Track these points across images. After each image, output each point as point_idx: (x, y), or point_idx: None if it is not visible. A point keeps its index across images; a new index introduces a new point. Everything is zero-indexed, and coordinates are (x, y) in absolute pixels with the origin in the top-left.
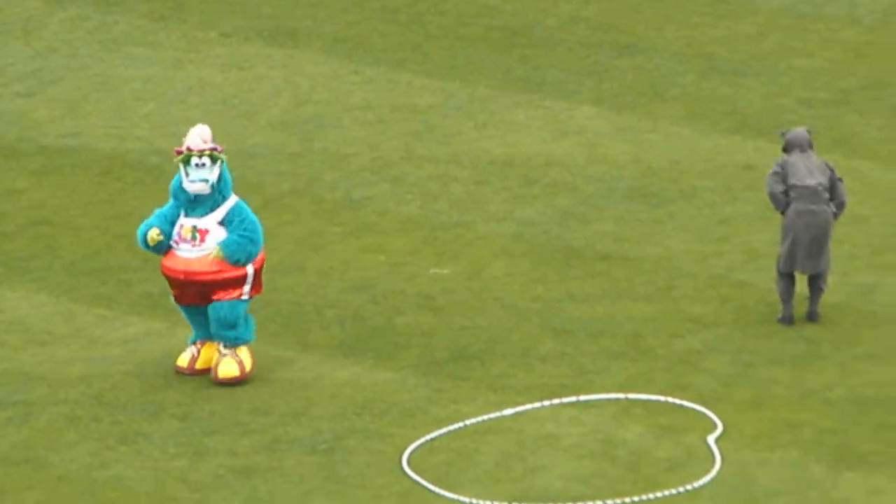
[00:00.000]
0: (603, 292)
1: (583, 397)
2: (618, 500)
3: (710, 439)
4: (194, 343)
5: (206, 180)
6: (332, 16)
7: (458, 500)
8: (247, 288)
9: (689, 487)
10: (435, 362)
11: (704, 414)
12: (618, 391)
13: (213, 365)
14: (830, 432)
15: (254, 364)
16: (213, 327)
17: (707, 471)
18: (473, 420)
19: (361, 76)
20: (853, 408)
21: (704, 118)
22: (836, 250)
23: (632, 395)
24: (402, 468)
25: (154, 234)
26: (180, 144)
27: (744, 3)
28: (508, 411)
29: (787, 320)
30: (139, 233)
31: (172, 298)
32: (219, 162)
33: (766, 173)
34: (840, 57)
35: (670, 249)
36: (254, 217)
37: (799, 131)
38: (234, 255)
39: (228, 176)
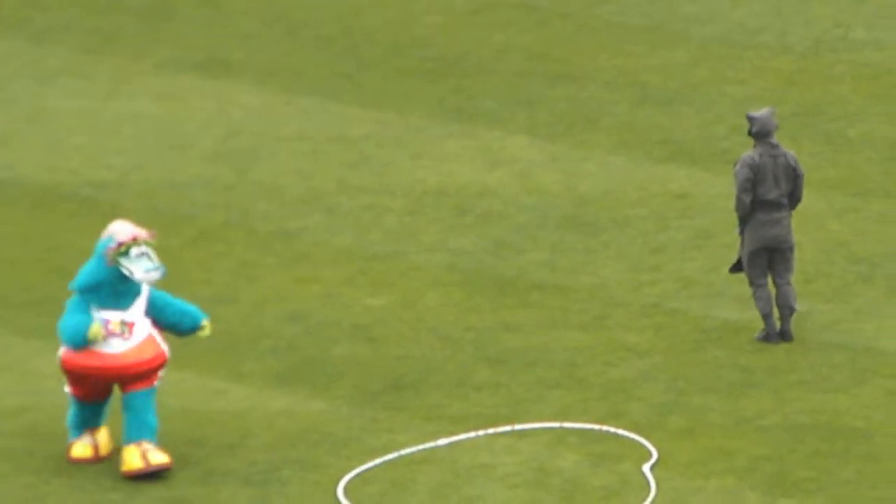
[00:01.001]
0: (537, 322)
1: (518, 426)
2: None
3: (646, 467)
4: (84, 433)
5: (159, 268)
6: (266, 46)
7: None
8: (161, 373)
9: None
10: (370, 392)
11: (639, 442)
12: (553, 420)
13: (139, 457)
14: (765, 460)
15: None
16: (132, 420)
17: (642, 499)
18: (408, 450)
19: (295, 107)
20: (788, 435)
21: (637, 147)
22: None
23: (567, 424)
24: (337, 499)
25: (99, 330)
26: (115, 176)
27: (677, 32)
28: (443, 441)
29: (771, 338)
30: (74, 331)
31: (73, 397)
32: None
33: (735, 169)
34: (772, 85)
35: (604, 278)
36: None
37: (766, 116)
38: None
39: None
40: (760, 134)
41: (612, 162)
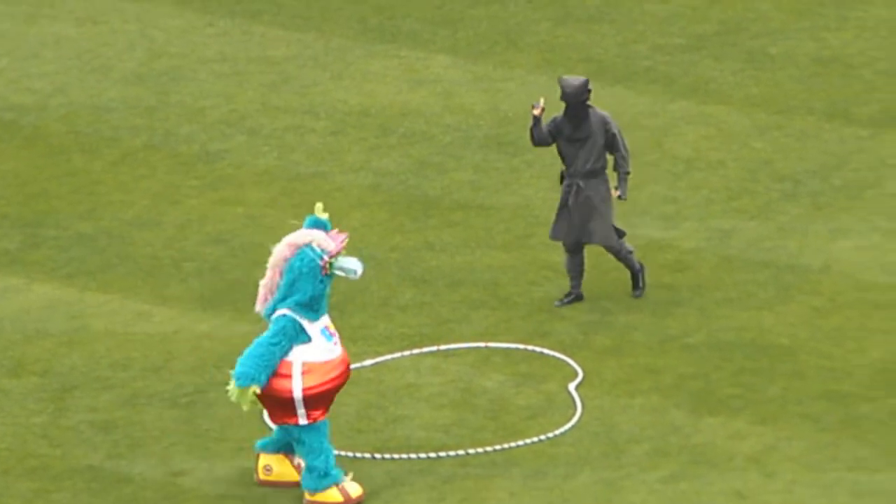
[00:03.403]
0: (461, 241)
1: (443, 347)
2: (479, 449)
3: (571, 386)
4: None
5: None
6: None
7: None
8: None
9: (550, 435)
10: None
11: (564, 361)
12: (478, 340)
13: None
14: (691, 377)
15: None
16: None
17: (568, 418)
18: None
19: (216, 28)
20: (713, 353)
21: (560, 65)
22: (694, 196)
23: (492, 344)
24: (263, 421)
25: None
26: (37, 99)
27: None
28: (368, 362)
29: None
30: (255, 377)
31: (314, 423)
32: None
33: (617, 130)
34: (694, 2)
35: (527, 198)
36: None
37: (577, 86)
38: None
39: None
40: (569, 101)
41: (534, 81)
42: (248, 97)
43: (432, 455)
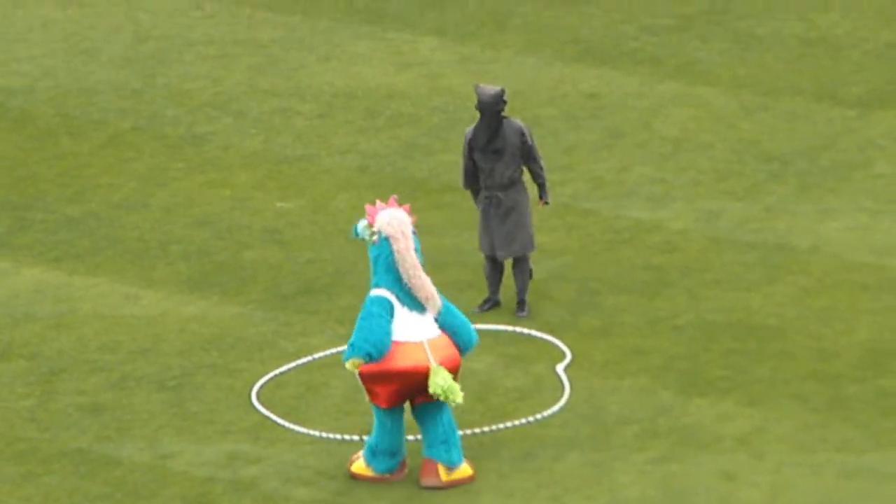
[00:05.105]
0: (449, 223)
1: None
2: (468, 431)
3: (559, 368)
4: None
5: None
6: None
7: (308, 434)
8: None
9: (538, 416)
10: (282, 296)
11: (553, 343)
12: None
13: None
14: (679, 359)
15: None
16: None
17: (556, 400)
18: (322, 353)
19: (203, 11)
20: (701, 334)
21: (547, 47)
22: (682, 177)
23: (479, 326)
24: (251, 403)
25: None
26: (25, 82)
27: None
28: None
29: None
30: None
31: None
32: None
33: (531, 139)
34: None
35: None
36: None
37: (493, 94)
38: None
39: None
40: (483, 111)
41: (521, 62)
42: (235, 80)
43: (420, 437)
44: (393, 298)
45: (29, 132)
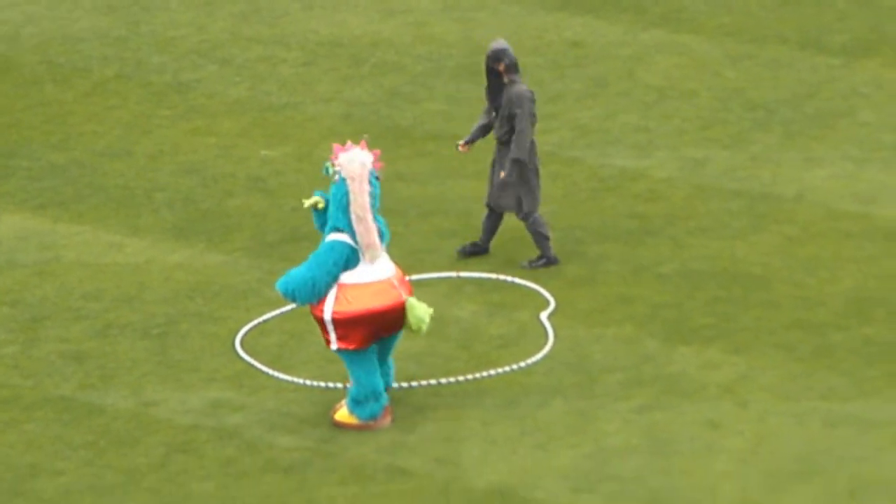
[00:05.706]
0: (433, 171)
1: (414, 276)
2: (451, 379)
3: (543, 316)
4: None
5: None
6: None
7: (292, 382)
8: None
9: (522, 364)
10: (266, 244)
11: (537, 291)
12: (449, 270)
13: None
14: (664, 307)
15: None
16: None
17: (540, 347)
18: None
19: None
20: (686, 282)
21: None
22: (666, 125)
23: (463, 274)
24: (235, 350)
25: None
26: (8, 29)
27: None
28: None
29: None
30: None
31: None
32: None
33: (525, 114)
34: None
35: None
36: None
37: (494, 49)
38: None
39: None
40: (516, 66)
41: (506, 10)
42: (219, 27)
43: (404, 385)
44: (352, 242)
45: (13, 79)
